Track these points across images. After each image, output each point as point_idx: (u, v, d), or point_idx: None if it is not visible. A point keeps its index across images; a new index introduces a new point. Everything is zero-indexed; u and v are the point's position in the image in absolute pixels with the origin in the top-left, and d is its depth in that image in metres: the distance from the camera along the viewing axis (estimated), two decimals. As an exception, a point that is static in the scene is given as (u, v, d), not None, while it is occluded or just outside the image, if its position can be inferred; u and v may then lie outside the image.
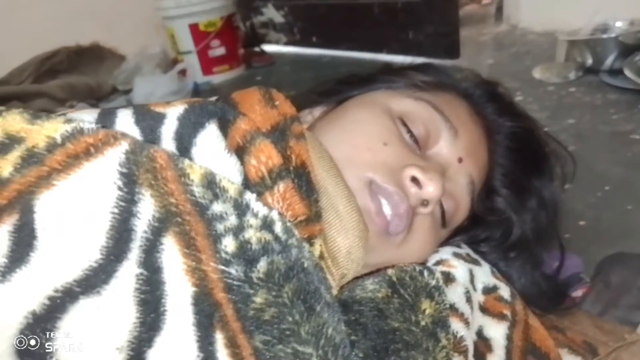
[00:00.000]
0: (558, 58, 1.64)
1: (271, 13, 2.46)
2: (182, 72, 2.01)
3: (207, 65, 2.17)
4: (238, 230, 0.34)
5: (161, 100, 1.64)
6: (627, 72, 1.32)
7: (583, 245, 0.80)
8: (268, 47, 2.50)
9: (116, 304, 0.32)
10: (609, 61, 1.47)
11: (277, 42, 2.53)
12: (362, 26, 2.09)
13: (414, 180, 0.49)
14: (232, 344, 0.33)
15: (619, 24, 1.58)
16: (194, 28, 2.11)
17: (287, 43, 2.49)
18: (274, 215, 0.36)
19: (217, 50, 2.16)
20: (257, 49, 2.45)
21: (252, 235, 0.34)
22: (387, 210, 0.49)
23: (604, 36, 1.52)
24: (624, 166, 1.04)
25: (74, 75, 2.12)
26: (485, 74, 1.72)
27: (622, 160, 1.07)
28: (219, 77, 2.20)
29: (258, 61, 2.35)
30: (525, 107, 1.36)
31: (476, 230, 0.64)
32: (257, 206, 0.36)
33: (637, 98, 1.31)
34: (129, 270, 0.33)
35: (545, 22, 1.97)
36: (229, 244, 0.34)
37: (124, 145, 0.35)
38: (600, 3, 1.64)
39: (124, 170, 0.34)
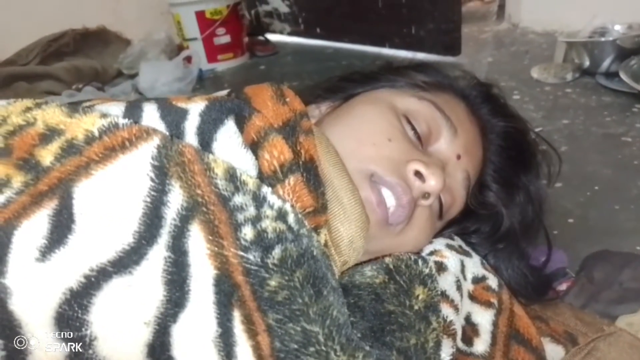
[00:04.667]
0: (556, 59, 1.66)
1: (276, 2, 2.47)
2: (187, 59, 2.03)
3: (212, 52, 2.19)
4: (256, 220, 0.38)
5: (166, 86, 1.66)
6: (623, 76, 1.34)
7: (570, 241, 0.83)
8: (272, 37, 2.51)
9: (146, 283, 0.36)
10: (605, 64, 1.50)
11: (281, 32, 2.54)
12: (365, 20, 2.11)
13: (417, 174, 0.53)
14: (248, 321, 0.36)
15: (617, 27, 1.60)
16: (200, 15, 2.13)
17: (291, 33, 2.51)
18: (288, 207, 0.40)
19: (222, 38, 2.18)
20: (261, 37, 2.47)
21: (268, 224, 0.38)
22: (390, 201, 0.52)
23: (602, 39, 1.54)
24: (614, 167, 1.07)
25: (80, 58, 2.14)
26: (485, 72, 1.75)
27: (612, 161, 1.09)
28: (223, 65, 2.22)
29: (261, 50, 2.36)
30: (522, 107, 1.40)
31: (467, 222, 0.68)
32: (272, 199, 0.39)
33: (631, 101, 1.34)
34: (159, 253, 0.36)
35: (545, 22, 1.98)
36: (248, 232, 0.37)
37: (155, 140, 0.39)
38: (600, 6, 1.67)
39: (156, 163, 0.38)
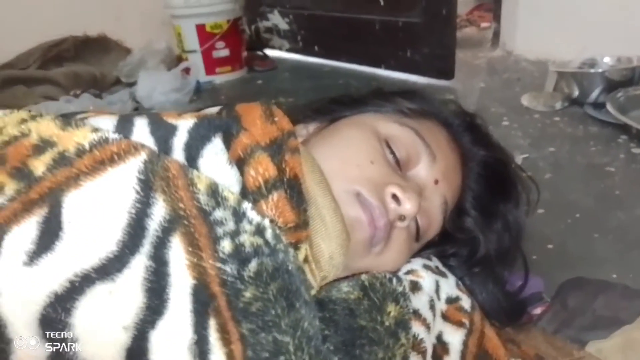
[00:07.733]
0: (547, 87, 1.68)
1: (277, 19, 2.51)
2: (186, 70, 2.05)
3: (211, 65, 2.22)
4: (235, 234, 0.40)
5: (163, 96, 1.68)
6: (609, 107, 1.37)
7: (548, 267, 0.85)
8: (271, 52, 2.55)
9: (127, 290, 0.38)
10: (594, 95, 1.52)
11: (280, 48, 2.58)
12: (362, 41, 2.15)
13: (394, 197, 0.55)
14: (223, 330, 0.38)
15: (606, 59, 1.64)
16: (200, 28, 2.16)
17: (290, 50, 2.54)
18: (266, 223, 0.42)
19: (221, 51, 2.21)
20: (259, 53, 2.50)
21: (246, 239, 0.40)
22: None
23: (591, 70, 1.58)
24: (595, 197, 1.09)
25: (79, 64, 2.15)
26: (476, 97, 1.77)
27: (594, 191, 1.11)
28: (221, 78, 2.25)
29: (260, 65, 2.39)
30: (510, 133, 1.43)
31: (445, 245, 0.70)
32: (252, 214, 0.41)
33: (617, 132, 1.37)
34: (140, 262, 0.38)
35: (539, 51, 2.01)
36: (226, 246, 0.39)
37: (143, 155, 0.41)
38: (590, 38, 1.71)
39: (142, 177, 0.40)
